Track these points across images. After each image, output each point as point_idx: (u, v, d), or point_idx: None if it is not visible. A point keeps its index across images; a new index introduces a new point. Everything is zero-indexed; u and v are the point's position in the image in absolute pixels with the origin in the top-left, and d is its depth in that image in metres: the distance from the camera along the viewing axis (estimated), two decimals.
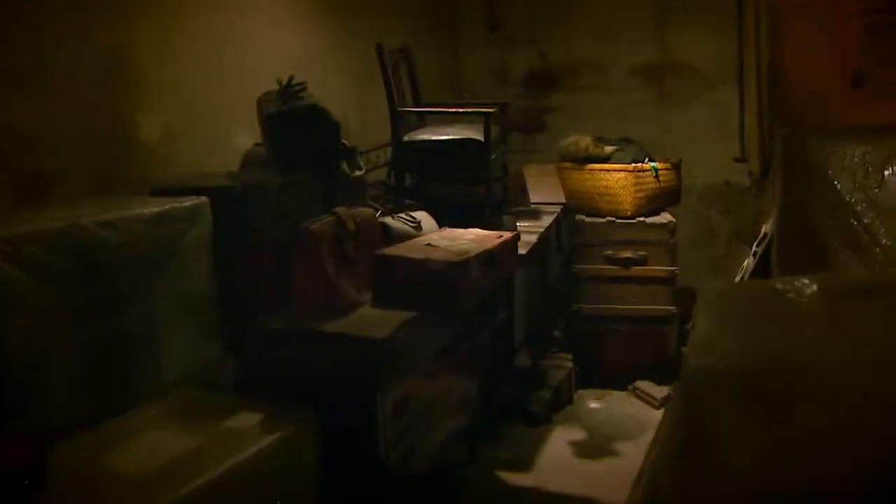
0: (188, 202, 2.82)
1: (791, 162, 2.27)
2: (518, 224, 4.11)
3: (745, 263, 3.96)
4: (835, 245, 2.11)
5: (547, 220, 4.18)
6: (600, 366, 4.64)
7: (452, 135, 4.19)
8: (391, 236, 3.40)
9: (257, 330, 2.90)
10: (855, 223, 2.12)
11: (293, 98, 3.39)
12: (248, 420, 2.51)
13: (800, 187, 2.24)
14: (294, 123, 3.30)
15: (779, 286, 2.11)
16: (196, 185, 3.02)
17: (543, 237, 4.00)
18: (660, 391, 4.45)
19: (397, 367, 2.86)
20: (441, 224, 3.79)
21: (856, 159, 2.21)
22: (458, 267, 2.98)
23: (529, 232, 4.01)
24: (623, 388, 4.60)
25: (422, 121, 4.75)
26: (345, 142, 3.57)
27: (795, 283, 2.07)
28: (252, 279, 3.01)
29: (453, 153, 4.19)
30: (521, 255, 3.67)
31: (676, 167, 4.80)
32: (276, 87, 3.37)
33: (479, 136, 4.16)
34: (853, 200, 2.18)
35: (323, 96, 3.44)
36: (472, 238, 3.36)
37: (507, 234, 3.46)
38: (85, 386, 2.41)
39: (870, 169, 2.19)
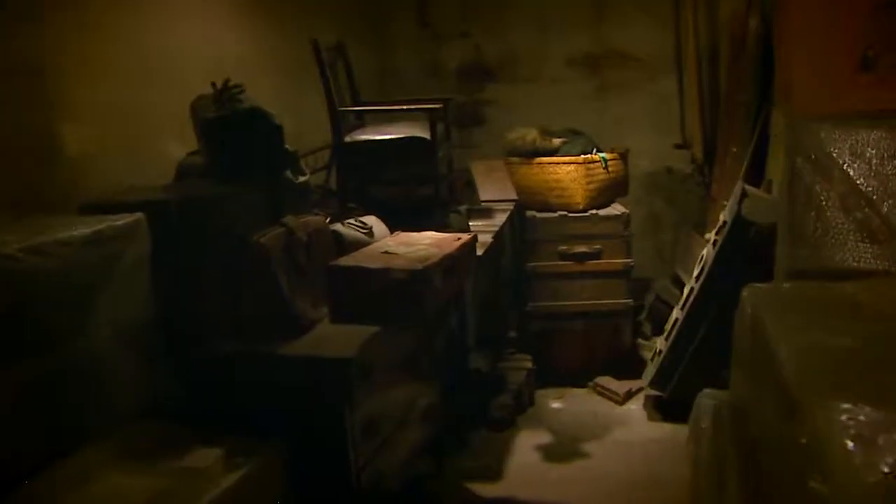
0: (123, 220, 2.55)
1: (797, 151, 2.14)
2: (470, 224, 3.93)
3: (705, 253, 3.85)
4: (849, 238, 1.98)
5: (500, 219, 4.01)
6: (558, 364, 4.50)
7: (397, 133, 3.99)
8: (344, 245, 3.18)
9: (207, 356, 2.66)
10: (871, 214, 2.00)
11: (231, 101, 3.14)
12: (207, 457, 2.29)
13: (807, 178, 2.11)
14: (233, 129, 3.06)
15: (852, 290, 1.84)
16: (129, 200, 2.77)
17: (498, 237, 3.82)
18: (620, 386, 4.33)
19: (364, 386, 2.66)
20: (392, 230, 3.59)
21: (870, 147, 2.10)
22: (422, 275, 2.78)
23: (483, 231, 3.82)
24: (583, 385, 4.47)
25: (360, 120, 4.54)
26: (287, 146, 3.35)
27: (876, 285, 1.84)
28: (198, 300, 2.76)
29: (398, 153, 4.00)
30: (479, 257, 3.49)
31: (624, 157, 4.68)
32: (210, 90, 3.12)
33: (425, 134, 3.98)
34: (869, 190, 2.06)
35: (257, 98, 3.21)
36: (429, 242, 3.16)
37: (465, 237, 3.28)
38: (26, 430, 2.15)
39: (885, 156, 2.07)
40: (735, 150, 4.46)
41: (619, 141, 4.89)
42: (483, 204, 4.18)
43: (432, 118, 3.97)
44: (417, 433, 3.24)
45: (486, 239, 3.71)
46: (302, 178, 3.40)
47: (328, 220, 3.36)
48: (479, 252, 3.54)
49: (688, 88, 5.23)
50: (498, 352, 4.36)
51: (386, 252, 3.00)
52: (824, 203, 2.00)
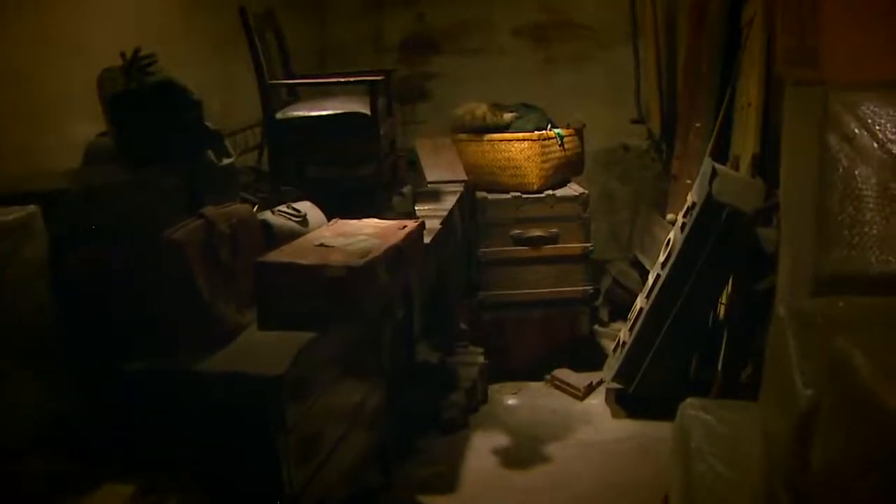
0: (14, 214, 2.12)
1: (831, 128, 1.80)
2: (417, 207, 3.55)
3: (672, 237, 3.53)
4: (873, 224, 1.65)
5: (448, 202, 3.63)
6: (512, 356, 4.16)
7: (334, 109, 3.59)
8: (274, 237, 2.78)
9: (114, 373, 2.25)
10: None
11: (141, 73, 2.72)
12: (116, 497, 1.90)
13: (844, 162, 1.78)
14: (144, 105, 2.66)
15: None
16: (24, 189, 2.34)
17: (447, 222, 3.46)
18: (580, 379, 4.01)
19: (299, 404, 2.28)
20: (329, 215, 3.20)
21: None
22: (363, 271, 2.40)
23: (430, 216, 3.45)
24: (539, 379, 4.13)
25: (293, 96, 4.12)
26: (208, 124, 2.94)
27: None
28: (103, 307, 2.34)
29: (336, 130, 3.60)
30: (427, 245, 3.12)
31: (579, 133, 4.34)
32: (120, 61, 2.70)
33: (366, 110, 3.58)
34: None
35: (180, 72, 2.79)
36: (371, 232, 2.78)
37: (411, 224, 2.90)
38: None
39: None
40: (699, 124, 4.15)
41: (571, 116, 4.54)
42: (430, 185, 3.80)
43: (373, 92, 3.58)
44: (362, 442, 2.88)
45: (433, 225, 3.34)
46: (227, 160, 2.99)
47: (256, 207, 2.96)
48: (427, 240, 3.17)
49: (644, 59, 4.91)
50: (447, 345, 4.01)
51: (322, 245, 2.61)
52: (866, 193, 1.68)
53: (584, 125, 4.37)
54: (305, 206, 3.09)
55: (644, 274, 4.64)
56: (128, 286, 2.38)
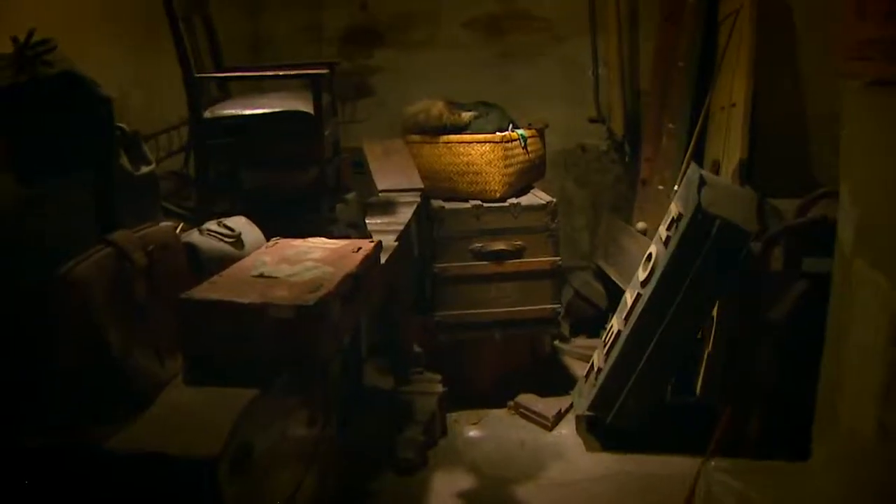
0: None
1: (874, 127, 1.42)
2: (368, 221, 3.07)
3: (654, 252, 3.12)
4: None
5: (404, 214, 3.16)
6: (471, 381, 3.72)
7: (272, 107, 3.09)
8: (202, 264, 2.28)
9: (3, 451, 1.73)
10: None
11: (36, 63, 2.19)
12: None
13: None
14: (39, 102, 2.12)
15: None
16: None
17: (403, 238, 2.99)
18: (547, 406, 3.58)
19: (240, 478, 1.80)
20: (267, 231, 2.71)
21: None
22: (314, 311, 1.92)
23: (383, 231, 2.99)
24: (502, 405, 3.69)
25: (225, 91, 3.60)
26: (122, 126, 2.42)
27: None
28: None
29: (274, 131, 3.10)
30: (383, 267, 2.65)
31: (542, 134, 3.91)
32: (10, 48, 2.17)
33: (308, 108, 3.09)
34: None
35: (91, 64, 2.28)
36: (320, 256, 2.30)
37: (366, 246, 2.43)
38: None
39: None
40: (672, 125, 3.76)
41: (526, 114, 4.12)
42: (381, 194, 3.33)
43: (316, 87, 3.09)
44: (310, 493, 2.40)
45: (388, 241, 2.87)
46: (145, 169, 2.48)
47: (180, 227, 2.45)
48: (381, 259, 2.70)
49: (606, 54, 4.50)
50: (400, 371, 3.54)
51: (262, 275, 2.12)
52: None
53: (546, 125, 3.94)
54: (240, 224, 2.58)
55: (608, 285, 4.26)
56: (18, 337, 1.87)
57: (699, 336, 3.24)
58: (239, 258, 2.34)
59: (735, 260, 2.96)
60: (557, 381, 3.85)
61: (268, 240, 2.65)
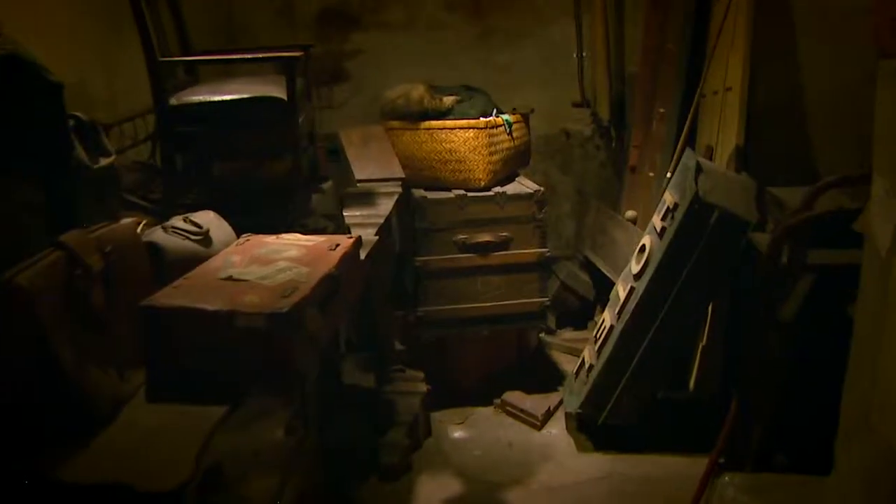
0: None
1: None
2: (346, 213, 2.87)
3: (648, 244, 2.94)
4: None
5: (384, 206, 2.96)
6: (456, 378, 3.54)
7: (242, 93, 2.90)
8: (166, 265, 2.08)
9: None
10: None
11: None
12: None
13: None
14: None
15: None
16: None
17: (384, 231, 2.79)
18: (535, 404, 3.40)
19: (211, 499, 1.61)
20: (238, 227, 2.51)
21: None
22: (289, 319, 1.73)
23: (363, 225, 2.79)
24: (488, 402, 3.52)
25: (193, 76, 3.39)
26: (79, 115, 2.22)
27: None
28: None
29: (245, 118, 2.92)
30: (362, 263, 2.45)
31: (527, 119, 3.72)
32: None
33: (281, 93, 2.90)
34: None
35: (48, 46, 2.08)
36: (294, 255, 2.10)
37: (344, 242, 2.24)
38: None
39: None
40: (663, 110, 3.58)
41: (508, 99, 3.92)
42: (360, 185, 3.13)
43: (290, 71, 2.90)
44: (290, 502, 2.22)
45: (367, 236, 2.68)
46: (104, 161, 2.28)
47: (142, 226, 2.24)
48: (362, 255, 2.51)
49: (591, 35, 4.31)
50: (381, 370, 3.35)
51: (230, 278, 1.93)
52: None
53: (532, 110, 3.75)
54: (208, 219, 2.39)
55: (595, 275, 4.10)
56: None
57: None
58: (206, 257, 2.15)
59: (734, 251, 2.80)
60: (545, 377, 3.68)
61: (238, 236, 2.46)
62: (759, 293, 2.51)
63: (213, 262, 2.06)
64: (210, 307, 1.75)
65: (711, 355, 3.18)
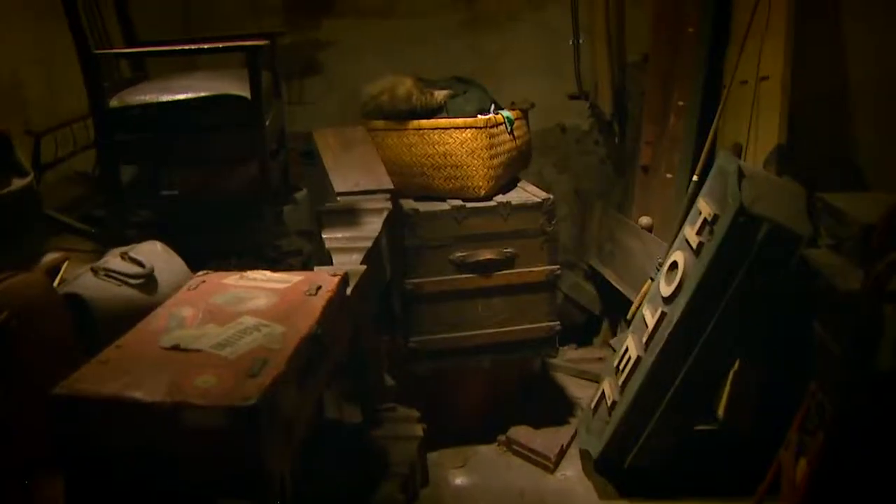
0: None
1: None
2: (326, 236, 2.35)
3: (681, 261, 2.45)
4: None
5: (371, 224, 2.44)
6: (453, 413, 3.04)
7: (197, 91, 2.41)
8: (94, 323, 1.56)
9: None
10: None
11: None
12: None
13: None
14: None
15: None
16: None
17: (373, 257, 2.28)
18: (545, 441, 2.91)
19: None
20: (192, 259, 1.99)
21: None
22: (258, 412, 1.23)
23: (345, 250, 2.27)
24: (490, 439, 3.03)
25: (141, 72, 2.87)
26: None
27: None
28: None
29: (201, 121, 2.42)
30: (349, 302, 1.94)
31: (526, 115, 3.21)
32: None
33: (243, 90, 2.39)
34: None
35: None
36: (264, 305, 1.59)
37: (328, 283, 1.73)
38: None
39: None
40: (682, 102, 3.09)
41: (497, 91, 3.41)
42: (340, 198, 2.61)
43: (253, 64, 2.38)
44: None
45: (354, 264, 2.17)
46: (18, 183, 1.76)
47: (65, 266, 1.71)
48: (348, 291, 2.00)
49: (590, 19, 3.81)
50: (370, 410, 2.84)
51: (176, 347, 1.41)
52: None
53: (532, 105, 3.24)
54: (153, 254, 1.86)
55: (601, 287, 3.62)
56: None
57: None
58: (149, 309, 1.62)
59: (784, 271, 2.33)
60: (552, 405, 3.20)
61: (193, 271, 1.95)
62: (841, 335, 2.03)
63: (156, 320, 1.54)
64: (147, 397, 1.24)
65: (744, 382, 2.72)
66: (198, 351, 1.39)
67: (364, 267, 2.14)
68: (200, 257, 2.32)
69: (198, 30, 4.04)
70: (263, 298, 1.62)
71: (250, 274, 1.79)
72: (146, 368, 1.33)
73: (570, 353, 3.61)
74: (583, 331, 3.74)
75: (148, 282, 1.74)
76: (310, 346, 1.47)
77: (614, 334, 3.67)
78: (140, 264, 1.77)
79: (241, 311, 1.55)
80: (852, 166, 2.77)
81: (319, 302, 1.61)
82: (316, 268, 2.11)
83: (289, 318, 1.52)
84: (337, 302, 1.70)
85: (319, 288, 1.68)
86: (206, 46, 2.49)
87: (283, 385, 1.32)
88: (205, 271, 1.84)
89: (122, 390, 1.26)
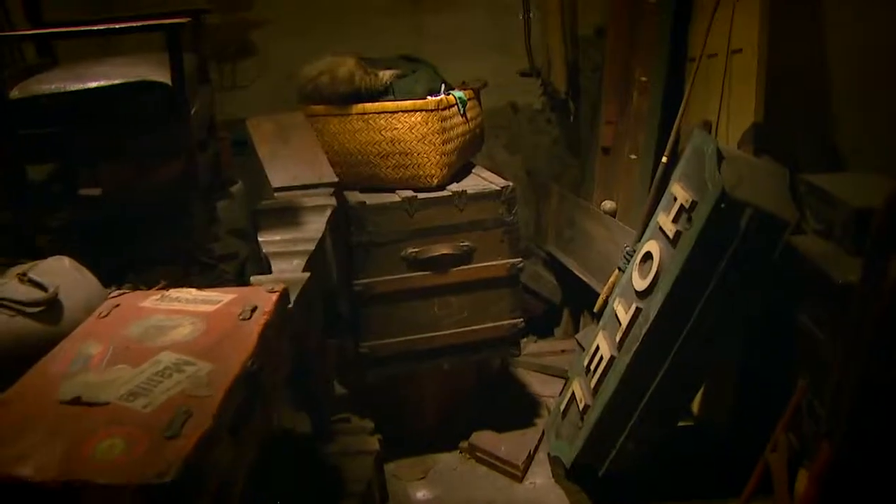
0: None
1: None
2: (262, 239, 2.06)
3: (656, 252, 2.23)
4: None
5: (313, 224, 2.14)
6: (411, 420, 2.80)
7: (111, 77, 2.10)
8: None
9: None
10: None
11: None
12: None
13: None
14: None
15: None
16: None
17: (316, 261, 2.01)
18: (510, 446, 2.69)
19: None
20: (105, 273, 1.70)
21: None
22: (179, 488, 0.96)
23: (285, 254, 1.99)
24: (451, 446, 2.79)
25: (49, 58, 2.54)
26: None
27: None
28: None
29: (117, 112, 2.11)
30: (290, 316, 1.68)
31: (478, 94, 2.95)
32: None
33: (163, 76, 2.09)
34: None
35: None
36: (188, 335, 1.31)
37: (265, 303, 1.46)
38: None
39: None
40: (645, 78, 2.86)
41: (445, 71, 3.14)
42: (278, 195, 2.31)
43: (174, 45, 2.08)
44: None
45: (295, 271, 1.90)
46: None
47: None
48: (290, 302, 1.73)
49: None
50: (320, 425, 2.58)
51: (77, 399, 1.13)
52: None
53: (484, 84, 2.99)
54: (60, 272, 1.57)
55: (562, 275, 3.40)
56: None
57: None
58: (50, 343, 1.34)
59: (769, 260, 2.12)
60: (515, 404, 2.98)
61: (114, 284, 1.66)
62: (836, 330, 1.83)
63: (56, 361, 1.25)
64: (36, 475, 0.96)
65: (719, 375, 2.53)
66: (104, 404, 1.11)
67: (307, 275, 1.87)
68: (123, 266, 2.04)
69: (122, 9, 3.69)
70: (188, 326, 1.34)
71: (173, 293, 1.51)
72: (39, 432, 1.05)
73: (530, 347, 3.38)
74: (543, 322, 3.53)
75: (50, 309, 1.44)
76: (244, 386, 1.20)
77: (576, 325, 3.46)
78: (42, 287, 1.47)
79: (160, 346, 1.28)
80: (828, 143, 2.57)
81: (255, 328, 1.34)
82: (253, 278, 1.83)
83: (218, 352, 1.25)
84: (276, 324, 1.43)
85: (255, 310, 1.41)
86: (117, 26, 2.16)
87: (212, 443, 1.05)
88: (120, 290, 1.55)
89: (5, 466, 0.98)
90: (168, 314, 1.41)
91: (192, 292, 1.51)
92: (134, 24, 2.13)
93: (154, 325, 1.35)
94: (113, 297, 1.50)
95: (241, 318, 1.38)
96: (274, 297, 1.48)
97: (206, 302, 1.45)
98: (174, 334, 1.31)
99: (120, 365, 1.21)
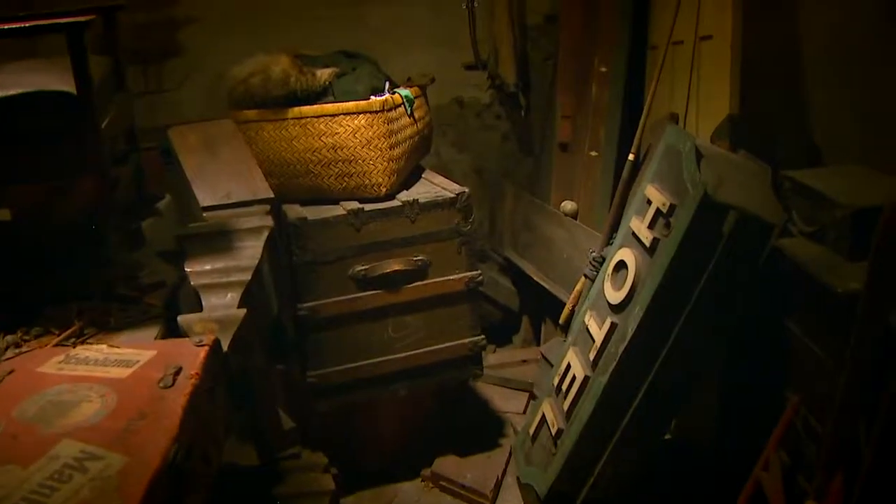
0: None
1: None
2: (190, 269, 1.78)
3: (630, 262, 2.02)
4: None
5: (250, 250, 1.86)
6: (366, 448, 2.55)
7: (7, 88, 1.81)
8: None
9: None
10: None
11: None
12: None
13: None
14: None
15: None
16: None
17: (253, 293, 1.74)
18: (476, 473, 2.47)
19: None
20: (20, 314, 1.43)
21: None
22: None
23: (217, 287, 1.72)
24: (412, 475, 2.56)
25: None
26: None
27: None
28: None
29: (11, 129, 1.81)
30: (225, 367, 1.42)
31: (425, 91, 2.71)
32: None
33: (66, 85, 1.80)
34: None
35: None
36: (97, 413, 1.05)
37: (191, 358, 1.20)
38: None
39: None
40: (605, 69, 2.66)
41: (386, 66, 2.90)
42: (207, 215, 2.03)
43: (77, 47, 1.79)
44: None
45: (229, 307, 1.64)
46: None
47: None
48: (225, 345, 1.47)
49: None
50: (268, 458, 2.32)
51: None
52: None
53: (431, 80, 2.74)
54: None
55: (519, 280, 3.18)
56: None
57: None
58: None
59: (755, 266, 1.93)
60: (479, 425, 2.76)
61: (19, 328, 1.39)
62: (835, 343, 1.64)
63: None
64: None
65: (702, 389, 2.34)
66: None
67: (243, 311, 1.60)
68: (31, 307, 1.76)
69: (43, 6, 3.34)
70: (95, 401, 1.08)
71: (81, 352, 1.24)
72: None
73: (489, 358, 3.15)
74: (500, 329, 3.31)
75: None
76: (167, 484, 0.95)
77: (536, 332, 3.25)
78: None
79: (60, 432, 1.01)
80: (808, 133, 2.39)
81: (179, 399, 1.08)
82: (180, 318, 1.56)
83: (132, 439, 0.99)
84: (206, 388, 1.17)
85: (179, 372, 1.15)
86: (12, 27, 1.86)
87: None
88: (15, 351, 1.28)
89: None
90: (72, 382, 1.14)
91: (104, 350, 1.24)
92: (24, 25, 1.82)
93: (53, 401, 1.08)
94: (5, 362, 1.22)
95: (161, 385, 1.12)
96: (202, 352, 1.22)
97: (119, 363, 1.19)
98: (77, 414, 1.05)
99: (7, 465, 0.95)
